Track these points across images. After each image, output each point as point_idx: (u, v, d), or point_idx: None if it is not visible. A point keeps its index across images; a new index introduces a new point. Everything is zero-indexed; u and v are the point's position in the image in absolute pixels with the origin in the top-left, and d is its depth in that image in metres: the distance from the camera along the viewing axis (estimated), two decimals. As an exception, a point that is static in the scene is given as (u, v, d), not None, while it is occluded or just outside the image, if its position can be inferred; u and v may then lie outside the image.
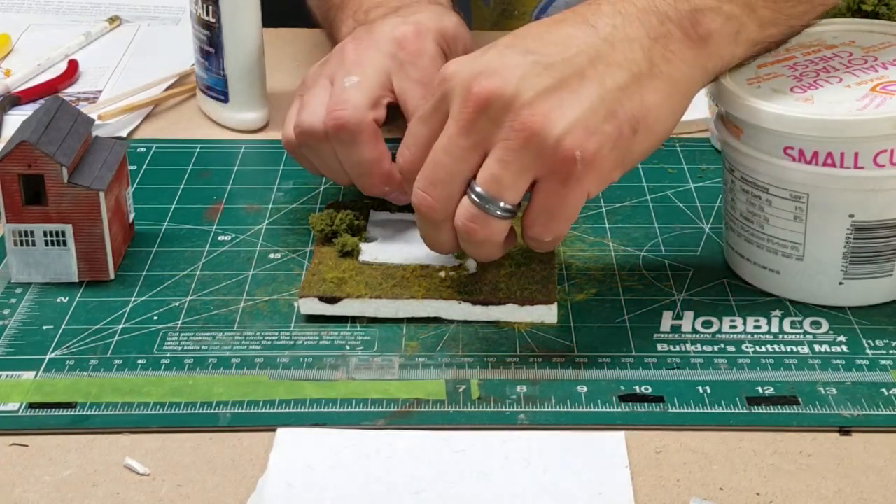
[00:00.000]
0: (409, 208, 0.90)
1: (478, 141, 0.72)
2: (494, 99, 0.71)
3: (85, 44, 1.25)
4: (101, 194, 0.83)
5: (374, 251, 0.86)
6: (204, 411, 0.73)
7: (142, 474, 0.69)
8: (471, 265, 0.83)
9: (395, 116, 0.90)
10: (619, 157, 0.73)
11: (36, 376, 0.76)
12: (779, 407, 0.73)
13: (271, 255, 0.89)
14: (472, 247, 0.75)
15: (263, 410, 0.73)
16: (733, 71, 0.82)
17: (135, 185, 0.99)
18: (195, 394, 0.75)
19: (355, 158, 0.86)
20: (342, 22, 1.03)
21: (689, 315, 0.82)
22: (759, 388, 0.75)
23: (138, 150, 1.05)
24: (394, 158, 0.88)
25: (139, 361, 0.78)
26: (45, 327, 0.81)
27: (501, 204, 0.73)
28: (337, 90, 0.87)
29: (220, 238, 0.92)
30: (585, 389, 0.75)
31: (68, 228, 0.84)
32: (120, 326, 0.81)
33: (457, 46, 0.93)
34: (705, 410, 0.73)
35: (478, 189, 0.73)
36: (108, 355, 0.78)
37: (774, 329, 0.80)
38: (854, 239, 0.79)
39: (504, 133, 0.71)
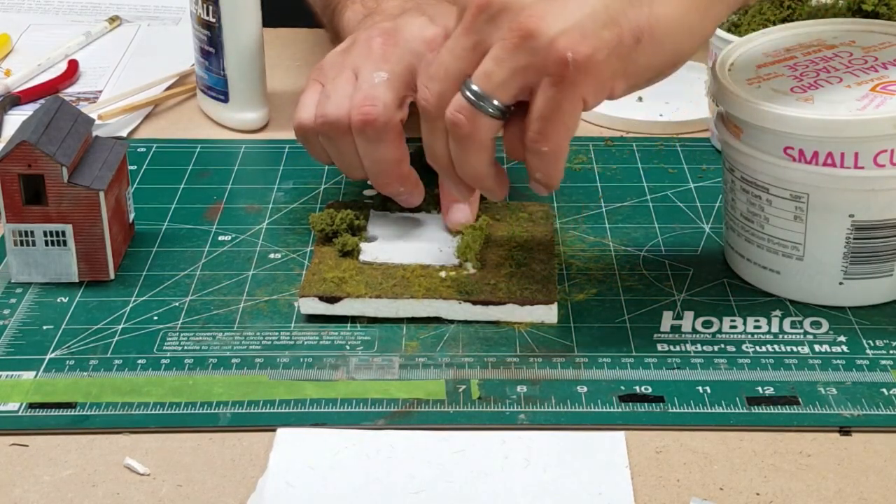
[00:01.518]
0: (410, 208, 0.91)
1: (477, 41, 0.74)
2: (495, 1, 0.73)
3: (85, 44, 1.25)
4: (101, 194, 0.83)
5: (375, 251, 0.86)
6: (204, 411, 0.73)
7: (142, 474, 0.69)
8: (471, 266, 0.83)
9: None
10: (620, 67, 0.73)
11: (36, 376, 0.76)
12: (779, 407, 0.73)
13: (271, 255, 0.89)
14: (458, 147, 0.76)
15: (263, 410, 0.73)
16: (733, 70, 0.82)
17: (135, 185, 0.99)
18: (195, 394, 0.75)
19: (377, 156, 0.86)
20: (346, 7, 1.03)
21: (689, 315, 0.82)
22: (759, 388, 0.75)
23: (138, 150, 1.05)
24: (412, 158, 0.88)
25: (139, 361, 0.78)
26: (45, 327, 0.81)
27: (494, 102, 0.73)
28: (365, 84, 0.86)
29: (221, 238, 0.92)
30: (585, 389, 0.75)
31: (68, 228, 0.84)
32: (120, 326, 0.81)
33: None
34: (705, 410, 0.73)
35: (472, 86, 0.74)
36: (108, 355, 0.78)
37: (774, 329, 0.80)
38: (854, 239, 0.79)
39: (502, 33, 0.73)
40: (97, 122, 1.03)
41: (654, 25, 0.72)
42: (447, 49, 0.76)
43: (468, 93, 0.74)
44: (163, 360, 0.78)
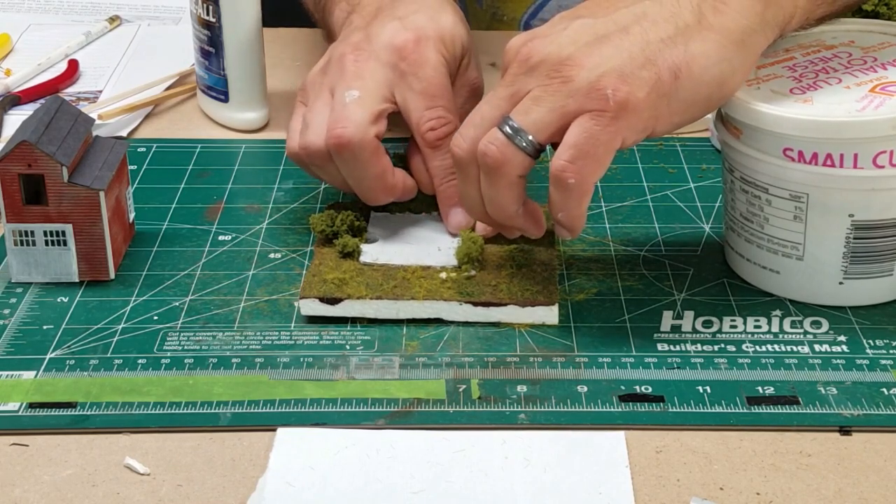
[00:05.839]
0: (410, 208, 0.91)
1: (515, 91, 0.76)
2: (535, 54, 0.75)
3: (85, 44, 1.25)
4: (102, 194, 0.83)
5: (375, 252, 0.86)
6: (204, 411, 0.73)
7: (142, 474, 0.69)
8: (471, 268, 0.83)
9: (395, 123, 0.89)
10: (662, 104, 0.74)
11: (36, 376, 0.76)
12: (779, 407, 0.73)
13: (271, 255, 0.89)
14: (487, 182, 0.77)
15: (263, 410, 0.73)
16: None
17: (135, 185, 0.99)
18: (195, 394, 0.75)
19: (358, 174, 0.86)
20: (335, 6, 1.03)
21: (689, 315, 0.82)
22: (760, 388, 0.75)
23: (138, 149, 1.05)
24: (395, 163, 0.89)
25: (139, 361, 0.78)
26: (45, 327, 0.81)
27: (529, 137, 0.74)
28: (338, 105, 0.86)
29: (221, 238, 0.92)
30: (585, 389, 0.75)
31: (68, 228, 0.84)
32: (120, 326, 0.81)
33: (455, 48, 0.92)
34: (705, 410, 0.73)
35: (510, 121, 0.75)
36: (109, 355, 0.78)
37: (775, 329, 0.80)
38: (854, 239, 0.79)
39: (540, 80, 0.75)
40: (97, 121, 1.03)
41: (690, 62, 0.74)
42: (485, 99, 0.78)
43: (506, 128, 0.75)
44: (163, 360, 0.78)
